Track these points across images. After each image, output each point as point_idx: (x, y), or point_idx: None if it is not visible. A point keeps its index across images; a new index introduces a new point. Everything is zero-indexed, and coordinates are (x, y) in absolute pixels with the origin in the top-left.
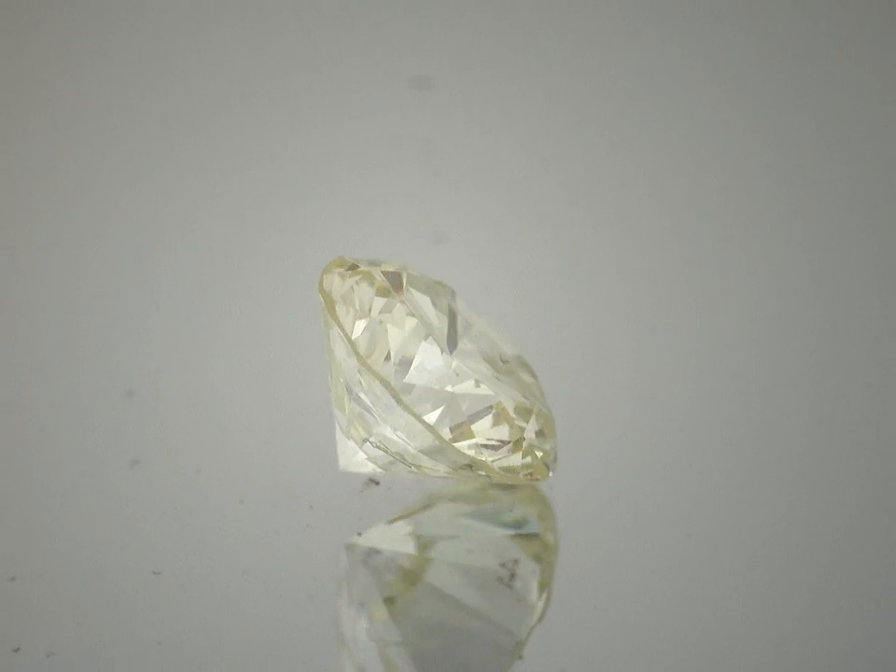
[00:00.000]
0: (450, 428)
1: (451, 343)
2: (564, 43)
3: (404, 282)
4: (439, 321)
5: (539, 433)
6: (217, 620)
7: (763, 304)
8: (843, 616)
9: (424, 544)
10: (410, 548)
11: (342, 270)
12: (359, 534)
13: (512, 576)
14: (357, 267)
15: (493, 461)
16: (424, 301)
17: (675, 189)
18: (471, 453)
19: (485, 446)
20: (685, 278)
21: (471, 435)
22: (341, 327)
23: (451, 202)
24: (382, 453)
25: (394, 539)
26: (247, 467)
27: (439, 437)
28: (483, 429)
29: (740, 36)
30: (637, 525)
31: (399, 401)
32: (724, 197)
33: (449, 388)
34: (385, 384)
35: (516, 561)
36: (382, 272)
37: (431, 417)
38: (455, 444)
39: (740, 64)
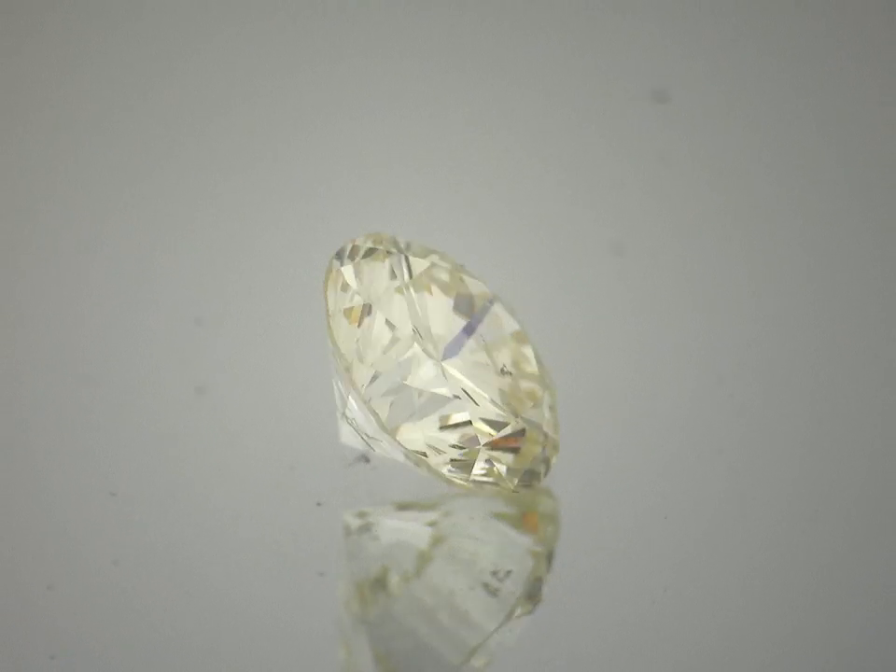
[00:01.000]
0: (405, 424)
1: (450, 350)
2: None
3: (421, 275)
4: (450, 326)
5: (514, 450)
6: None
7: (767, 307)
8: (836, 634)
9: (436, 537)
10: (419, 537)
11: (370, 245)
12: (371, 511)
13: (497, 589)
14: (384, 247)
15: (442, 463)
16: (445, 303)
17: None
18: (424, 450)
19: (438, 447)
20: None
21: (416, 430)
22: (325, 299)
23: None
24: (353, 430)
25: (409, 524)
26: (252, 418)
27: (382, 424)
28: (440, 431)
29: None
30: (638, 538)
31: (352, 385)
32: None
33: (408, 383)
34: (347, 367)
35: (508, 573)
36: (408, 260)
37: (383, 407)
38: (397, 437)
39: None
